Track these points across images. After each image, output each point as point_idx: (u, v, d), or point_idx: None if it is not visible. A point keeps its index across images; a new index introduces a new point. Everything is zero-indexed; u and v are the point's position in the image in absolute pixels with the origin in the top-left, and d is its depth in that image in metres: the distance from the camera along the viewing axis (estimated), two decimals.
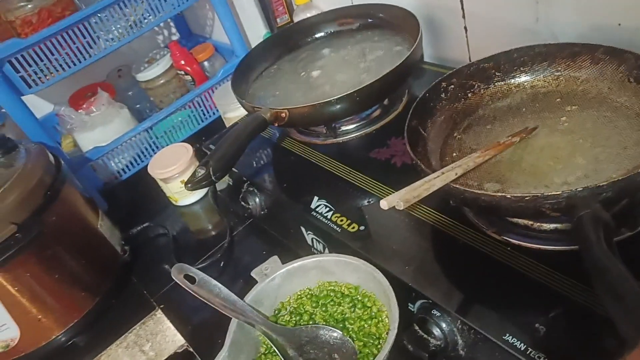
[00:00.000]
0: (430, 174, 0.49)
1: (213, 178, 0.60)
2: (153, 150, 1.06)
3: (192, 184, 0.61)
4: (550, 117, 0.59)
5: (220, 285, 0.56)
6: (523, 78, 0.64)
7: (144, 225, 0.90)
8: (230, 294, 0.56)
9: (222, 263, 0.79)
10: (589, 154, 0.53)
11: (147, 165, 0.91)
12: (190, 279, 0.56)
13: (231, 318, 0.55)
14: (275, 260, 0.61)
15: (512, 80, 0.64)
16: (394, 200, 0.45)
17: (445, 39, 0.85)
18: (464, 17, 0.79)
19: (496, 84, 0.65)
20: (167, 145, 0.99)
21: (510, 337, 0.45)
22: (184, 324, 0.73)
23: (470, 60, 0.64)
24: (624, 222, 0.49)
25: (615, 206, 0.50)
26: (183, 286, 0.55)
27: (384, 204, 0.45)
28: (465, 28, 0.80)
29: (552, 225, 0.52)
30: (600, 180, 0.49)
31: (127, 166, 1.05)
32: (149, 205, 0.97)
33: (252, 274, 0.61)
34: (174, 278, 0.55)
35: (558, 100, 0.61)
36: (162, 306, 0.77)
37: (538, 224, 0.52)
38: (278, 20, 1.10)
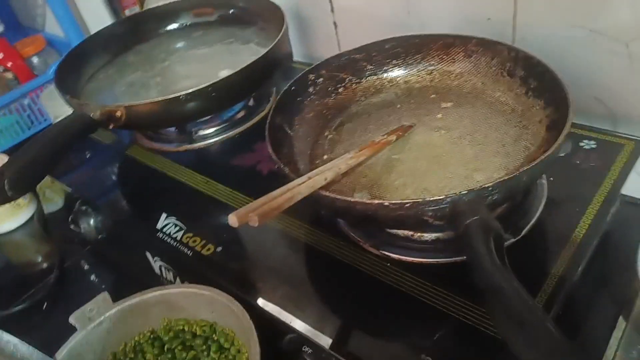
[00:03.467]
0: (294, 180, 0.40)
1: (8, 194, 0.44)
2: None
3: None
4: (426, 114, 0.54)
5: (15, 340, 0.41)
6: (396, 72, 0.58)
7: None
8: (33, 352, 0.41)
9: (46, 305, 0.61)
10: (468, 153, 0.48)
11: None
12: None
13: None
14: (104, 299, 0.47)
15: (385, 75, 0.58)
16: (246, 214, 0.34)
17: (314, 35, 0.78)
18: (332, 11, 0.72)
19: (368, 78, 0.58)
20: None
21: None
22: None
23: None
24: (506, 228, 0.44)
25: (497, 210, 0.45)
26: None
27: (233, 219, 0.34)
28: (335, 23, 0.73)
29: (434, 235, 0.45)
30: (481, 180, 0.45)
31: None
32: None
33: (71, 319, 0.46)
34: None
35: (433, 96, 0.56)
36: None
37: (419, 234, 0.46)
38: (127, 12, 0.95)
